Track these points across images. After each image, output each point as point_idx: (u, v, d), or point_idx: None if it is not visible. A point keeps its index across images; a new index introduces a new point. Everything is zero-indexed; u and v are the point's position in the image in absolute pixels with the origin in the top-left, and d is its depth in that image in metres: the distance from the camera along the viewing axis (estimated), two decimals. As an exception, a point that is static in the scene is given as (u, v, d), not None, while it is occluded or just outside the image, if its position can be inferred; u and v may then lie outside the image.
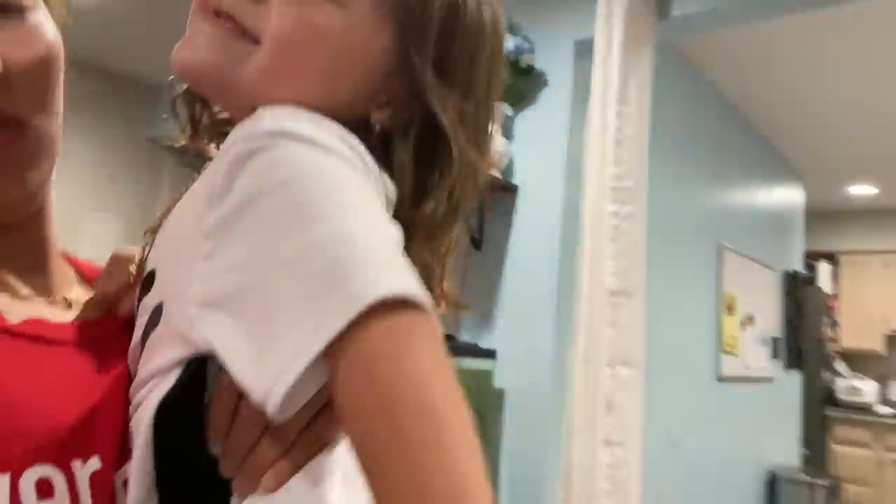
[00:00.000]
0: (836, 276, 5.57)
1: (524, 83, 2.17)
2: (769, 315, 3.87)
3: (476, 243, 2.23)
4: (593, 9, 2.03)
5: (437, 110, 0.44)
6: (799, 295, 4.38)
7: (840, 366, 5.51)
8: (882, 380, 5.40)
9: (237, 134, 0.40)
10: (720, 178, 3.30)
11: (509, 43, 2.10)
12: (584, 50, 2.10)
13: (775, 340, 3.95)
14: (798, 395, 4.41)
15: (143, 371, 0.42)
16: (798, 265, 4.46)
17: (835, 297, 5.52)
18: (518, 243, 2.19)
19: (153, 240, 0.48)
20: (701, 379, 3.03)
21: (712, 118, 3.24)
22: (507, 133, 2.21)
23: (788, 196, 4.38)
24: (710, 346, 3.09)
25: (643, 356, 1.82)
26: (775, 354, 3.94)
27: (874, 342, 5.38)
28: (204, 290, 0.37)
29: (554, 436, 1.97)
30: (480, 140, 0.48)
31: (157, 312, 0.42)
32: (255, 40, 0.43)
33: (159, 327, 0.41)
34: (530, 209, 2.17)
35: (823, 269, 5.44)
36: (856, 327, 5.42)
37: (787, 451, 4.14)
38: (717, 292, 3.14)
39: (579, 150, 2.07)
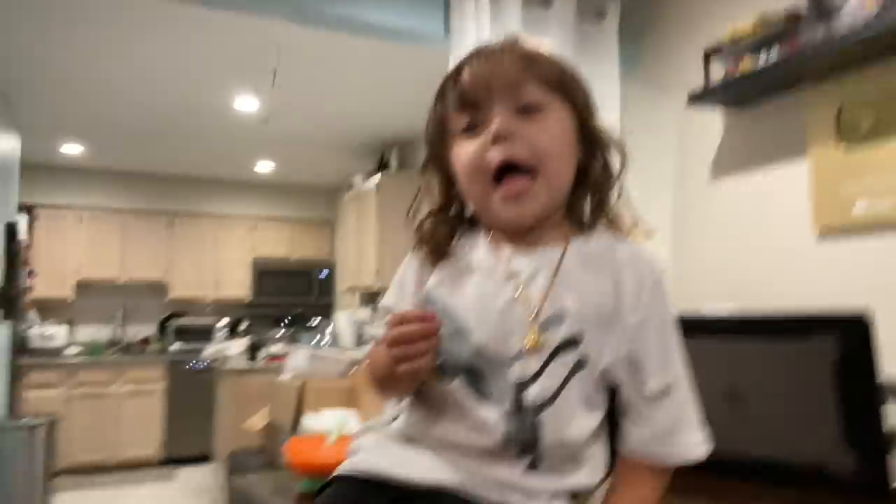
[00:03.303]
0: (31, 228, 5.72)
1: None
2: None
3: None
4: None
5: (601, 136, 0.77)
6: (14, 246, 4.37)
7: (33, 315, 5.70)
8: (71, 324, 5.92)
9: (649, 265, 0.75)
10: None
11: None
12: None
13: (-2, 291, 3.87)
14: (7, 347, 4.41)
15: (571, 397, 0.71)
16: (14, 217, 4.44)
17: (29, 247, 5.65)
18: None
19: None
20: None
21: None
22: None
23: (8, 147, 4.30)
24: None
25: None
26: (-2, 305, 3.86)
27: (65, 290, 5.83)
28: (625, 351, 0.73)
29: None
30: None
31: (578, 365, 0.71)
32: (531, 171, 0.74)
33: (583, 373, 0.69)
34: None
35: (22, 220, 5.50)
36: (49, 277, 5.73)
37: (-5, 403, 4.11)
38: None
39: None
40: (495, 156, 0.71)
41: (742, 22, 2.05)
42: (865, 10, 1.77)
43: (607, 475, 0.74)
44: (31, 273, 5.60)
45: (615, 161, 0.81)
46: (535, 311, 0.71)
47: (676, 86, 2.39)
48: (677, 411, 0.72)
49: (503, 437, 0.70)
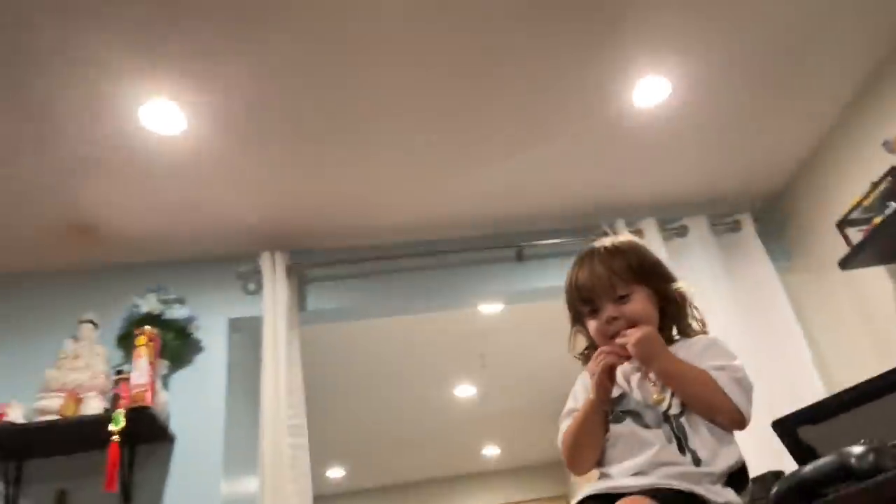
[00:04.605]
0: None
1: (184, 346, 2.55)
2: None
3: (126, 494, 2.28)
4: (242, 295, 2.72)
5: (671, 293, 1.24)
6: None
7: None
8: None
9: (705, 339, 1.22)
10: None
11: (183, 311, 2.52)
12: (236, 326, 2.69)
13: None
14: None
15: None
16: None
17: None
18: (174, 493, 2.35)
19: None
20: None
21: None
22: (165, 386, 2.47)
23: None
24: None
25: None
26: None
27: None
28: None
29: None
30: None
31: None
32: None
33: None
34: (187, 458, 2.40)
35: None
36: None
37: None
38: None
39: (235, 404, 2.53)
40: (609, 331, 1.21)
41: (858, 190, 2.38)
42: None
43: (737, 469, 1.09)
44: None
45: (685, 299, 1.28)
46: (654, 382, 1.16)
47: (828, 255, 2.64)
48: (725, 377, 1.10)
49: (666, 438, 1.08)
